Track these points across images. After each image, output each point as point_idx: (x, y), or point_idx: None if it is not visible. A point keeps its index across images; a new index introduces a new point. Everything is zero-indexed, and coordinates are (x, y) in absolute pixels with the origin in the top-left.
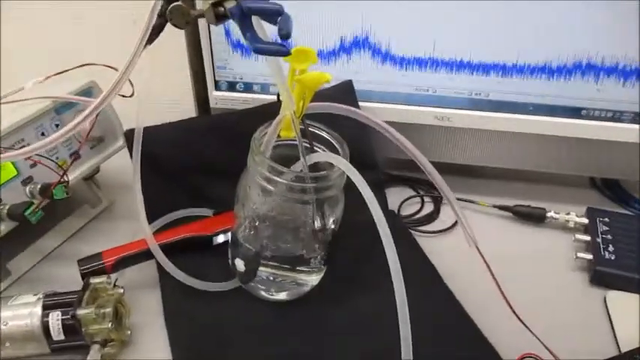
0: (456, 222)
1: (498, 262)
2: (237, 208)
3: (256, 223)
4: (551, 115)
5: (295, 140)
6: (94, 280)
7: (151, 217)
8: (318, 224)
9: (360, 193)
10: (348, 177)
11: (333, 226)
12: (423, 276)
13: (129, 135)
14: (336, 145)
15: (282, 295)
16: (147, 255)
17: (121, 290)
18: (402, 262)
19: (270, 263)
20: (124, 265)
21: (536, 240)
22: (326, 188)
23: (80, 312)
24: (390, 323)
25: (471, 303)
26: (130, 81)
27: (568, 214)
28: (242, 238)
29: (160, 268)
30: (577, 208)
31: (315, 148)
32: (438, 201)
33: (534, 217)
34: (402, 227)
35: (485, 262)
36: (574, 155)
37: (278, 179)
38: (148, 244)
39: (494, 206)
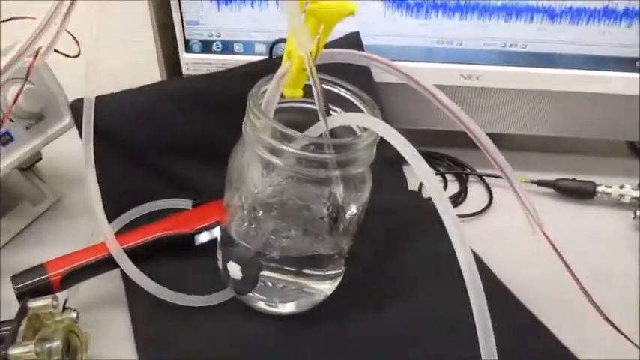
0: (490, 203)
1: (542, 246)
2: (228, 196)
3: (258, 214)
4: (601, 68)
5: (302, 103)
6: (35, 304)
7: (112, 214)
8: (339, 212)
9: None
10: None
11: (356, 216)
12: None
13: (77, 107)
14: (362, 108)
15: (288, 307)
16: (107, 264)
17: (74, 314)
18: (446, 258)
19: (275, 266)
20: (76, 279)
21: (587, 219)
22: (352, 162)
23: (14, 351)
24: (427, 340)
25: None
26: (74, 38)
27: (622, 187)
28: (237, 235)
29: (127, 280)
30: (629, 181)
31: (332, 111)
32: (463, 180)
33: (582, 193)
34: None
35: (556, 251)
36: (628, 119)
37: (288, 148)
38: (108, 250)
39: (533, 182)
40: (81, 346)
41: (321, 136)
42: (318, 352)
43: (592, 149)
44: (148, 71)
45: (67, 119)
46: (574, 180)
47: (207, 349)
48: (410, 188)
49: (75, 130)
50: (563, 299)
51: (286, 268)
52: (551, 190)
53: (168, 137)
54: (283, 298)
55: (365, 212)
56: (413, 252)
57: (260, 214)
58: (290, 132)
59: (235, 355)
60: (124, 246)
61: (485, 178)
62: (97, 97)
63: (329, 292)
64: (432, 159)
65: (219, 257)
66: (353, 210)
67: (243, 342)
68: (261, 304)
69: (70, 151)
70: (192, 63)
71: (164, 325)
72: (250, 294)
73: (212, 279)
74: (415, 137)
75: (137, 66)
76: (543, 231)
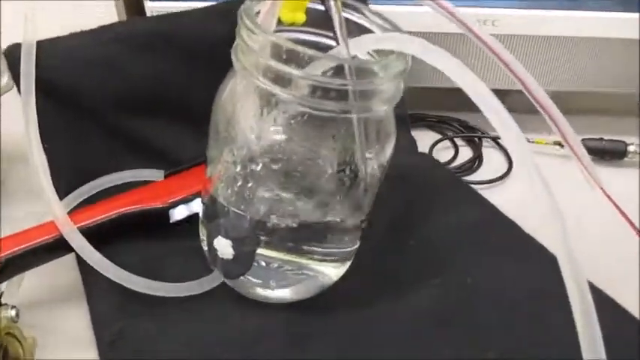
0: (510, 168)
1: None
2: (214, 151)
3: (255, 168)
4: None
5: (302, 34)
6: None
7: (64, 190)
8: (359, 165)
9: None
10: None
11: (376, 177)
12: (523, 247)
13: (13, 55)
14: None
15: (287, 292)
16: (58, 248)
17: (13, 313)
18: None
19: (275, 240)
20: (17, 269)
21: (619, 183)
22: (375, 95)
23: None
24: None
25: None
26: None
27: None
28: (227, 201)
29: (84, 268)
30: None
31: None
32: (476, 144)
33: (612, 153)
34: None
35: (619, 210)
36: None
37: (297, 73)
38: (59, 230)
39: (556, 143)
40: (23, 353)
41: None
42: (330, 348)
43: (614, 107)
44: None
45: (6, 77)
46: (602, 139)
47: (191, 350)
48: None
49: (15, 93)
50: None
51: (289, 243)
52: None
53: (130, 91)
54: (283, 281)
55: (385, 174)
56: (435, 222)
57: (258, 169)
58: (304, 50)
59: (229, 356)
60: (80, 225)
61: (501, 143)
62: (40, 42)
63: (340, 274)
64: (434, 122)
65: (203, 235)
66: (374, 166)
67: (238, 339)
68: (259, 291)
69: (11, 115)
70: (159, 11)
71: (134, 323)
72: (244, 278)
73: (193, 263)
74: (416, 99)
75: (94, 16)
76: (602, 188)
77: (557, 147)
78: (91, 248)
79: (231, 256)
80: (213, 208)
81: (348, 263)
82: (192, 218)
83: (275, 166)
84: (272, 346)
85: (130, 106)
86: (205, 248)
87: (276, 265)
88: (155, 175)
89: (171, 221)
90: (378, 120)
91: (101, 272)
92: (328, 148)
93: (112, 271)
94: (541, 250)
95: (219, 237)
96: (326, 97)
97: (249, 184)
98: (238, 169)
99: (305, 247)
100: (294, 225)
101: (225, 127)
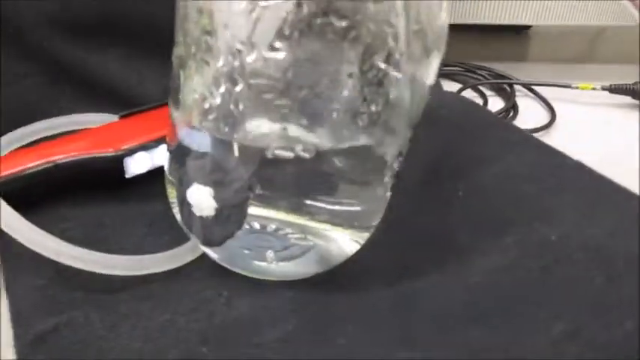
0: (553, 118)
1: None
2: (180, 49)
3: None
4: None
5: None
6: None
7: None
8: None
9: None
10: None
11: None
12: (605, 191)
13: None
14: None
15: (293, 267)
16: None
17: None
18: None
19: (277, 187)
20: None
21: None
22: None
23: None
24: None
25: None
26: None
27: None
28: (206, 125)
29: (2, 239)
30: None
31: None
32: (508, 93)
33: None
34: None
35: None
36: None
37: None
38: None
39: (604, 88)
40: None
41: None
42: (351, 340)
43: None
44: None
45: None
46: None
47: (152, 349)
48: None
49: None
50: None
51: (295, 197)
52: (627, 99)
53: (72, 12)
54: (285, 251)
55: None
56: (487, 167)
57: (250, 78)
58: None
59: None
60: None
61: (537, 91)
62: None
63: (363, 239)
64: (463, 72)
65: (172, 194)
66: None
67: (224, 332)
68: (252, 263)
69: None
70: None
71: (73, 316)
72: (233, 243)
73: (159, 232)
74: None
75: None
76: None
77: (607, 93)
78: (12, 211)
79: (212, 212)
80: (185, 145)
81: (372, 227)
82: (156, 173)
83: (270, 73)
84: (273, 338)
85: (72, 31)
86: (176, 209)
87: (280, 228)
88: (108, 120)
89: (127, 176)
90: None
91: (25, 244)
92: (341, 49)
93: (44, 242)
94: (624, 192)
95: (195, 184)
96: None
97: (239, 103)
98: (221, 79)
99: (316, 202)
100: (307, 156)
101: (194, 17)
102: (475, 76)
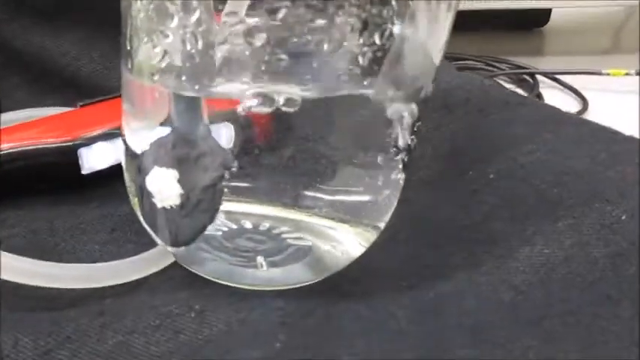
0: (585, 107)
1: None
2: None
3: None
4: None
5: None
6: None
7: None
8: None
9: None
10: None
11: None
12: None
13: None
14: None
15: (284, 273)
16: None
17: None
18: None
19: (249, 175)
20: None
21: None
22: None
23: None
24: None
25: None
26: None
27: None
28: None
29: None
30: None
31: None
32: (531, 85)
33: None
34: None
35: None
36: None
37: None
38: None
39: (638, 73)
40: None
41: None
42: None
43: None
44: None
45: None
46: None
47: None
48: None
49: None
50: None
51: (287, 172)
52: None
53: None
54: (273, 252)
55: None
56: (520, 146)
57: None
58: None
59: None
60: None
61: (562, 80)
62: None
63: (356, 254)
64: (480, 65)
65: (131, 188)
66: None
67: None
68: (236, 269)
69: None
70: None
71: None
72: (204, 246)
73: (124, 238)
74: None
75: None
76: None
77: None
78: None
79: (177, 199)
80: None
81: (383, 222)
82: (120, 169)
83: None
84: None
85: (25, 14)
86: (136, 206)
87: (274, 229)
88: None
89: (83, 172)
90: None
91: None
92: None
93: None
94: None
95: (156, 168)
96: None
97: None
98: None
99: (311, 191)
100: (290, 110)
101: None
102: (494, 69)
